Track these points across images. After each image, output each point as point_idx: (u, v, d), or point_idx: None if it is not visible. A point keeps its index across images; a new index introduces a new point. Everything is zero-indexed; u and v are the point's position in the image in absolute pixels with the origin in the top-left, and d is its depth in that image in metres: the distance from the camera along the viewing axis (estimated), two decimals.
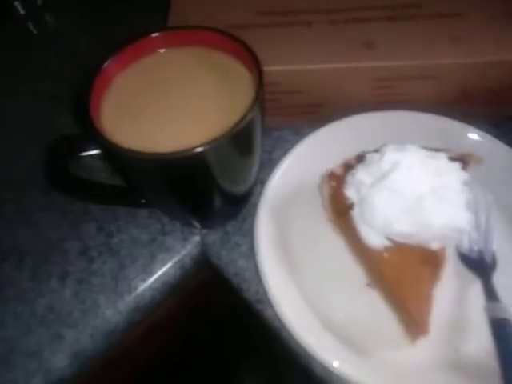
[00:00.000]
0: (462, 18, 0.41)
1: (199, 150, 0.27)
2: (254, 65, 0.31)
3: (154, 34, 0.33)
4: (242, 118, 0.28)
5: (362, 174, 0.35)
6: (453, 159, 0.34)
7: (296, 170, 0.41)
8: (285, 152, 0.42)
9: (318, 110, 0.45)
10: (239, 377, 0.61)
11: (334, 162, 0.39)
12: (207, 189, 0.34)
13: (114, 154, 0.29)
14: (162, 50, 0.33)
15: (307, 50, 0.40)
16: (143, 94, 0.32)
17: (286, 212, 0.40)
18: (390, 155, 0.33)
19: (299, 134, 0.46)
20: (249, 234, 0.41)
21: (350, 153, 0.39)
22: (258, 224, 0.38)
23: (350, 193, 0.36)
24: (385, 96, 0.42)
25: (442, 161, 0.33)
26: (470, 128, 0.41)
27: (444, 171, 0.33)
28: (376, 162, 0.34)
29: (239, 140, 0.30)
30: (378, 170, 0.34)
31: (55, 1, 0.64)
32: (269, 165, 0.43)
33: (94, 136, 0.28)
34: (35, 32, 0.63)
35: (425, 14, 0.42)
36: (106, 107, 0.31)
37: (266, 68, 0.38)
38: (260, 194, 0.40)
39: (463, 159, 0.36)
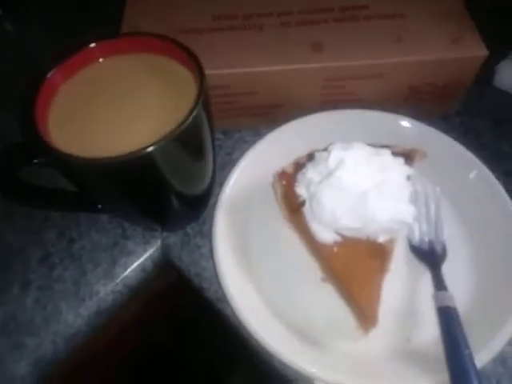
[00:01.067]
0: (405, 19, 0.43)
1: (146, 150, 0.28)
2: (196, 67, 0.31)
3: (92, 45, 0.33)
4: (186, 118, 0.29)
5: (311, 172, 0.36)
6: (397, 155, 0.36)
7: (252, 171, 0.41)
8: (244, 153, 0.43)
9: (274, 111, 0.46)
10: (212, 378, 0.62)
11: (287, 162, 0.40)
12: (160, 191, 0.35)
13: (60, 161, 0.29)
14: (101, 59, 0.34)
15: (257, 53, 0.41)
16: (89, 101, 0.32)
17: (243, 211, 0.41)
18: (336, 153, 0.34)
19: (258, 135, 0.47)
20: (209, 235, 0.41)
21: (302, 152, 0.40)
22: (215, 225, 0.39)
23: (301, 190, 0.37)
24: (336, 95, 0.43)
25: (385, 157, 0.35)
26: (416, 123, 0.42)
27: (388, 167, 0.34)
28: (324, 161, 0.35)
29: (186, 139, 0.30)
30: (326, 168, 0.35)
31: (17, 10, 0.64)
32: (229, 166, 0.44)
33: (40, 144, 0.29)
34: None
35: (370, 15, 0.43)
36: (53, 115, 0.31)
37: (215, 71, 0.40)
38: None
39: (408, 154, 0.37)
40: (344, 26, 0.42)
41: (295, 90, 0.43)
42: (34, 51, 0.60)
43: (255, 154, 0.42)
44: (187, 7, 0.46)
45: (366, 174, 0.33)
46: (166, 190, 0.35)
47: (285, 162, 0.40)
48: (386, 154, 0.35)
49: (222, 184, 0.42)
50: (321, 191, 0.34)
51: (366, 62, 0.40)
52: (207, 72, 0.31)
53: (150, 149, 0.28)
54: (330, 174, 0.34)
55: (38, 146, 0.32)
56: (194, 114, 0.29)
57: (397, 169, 0.34)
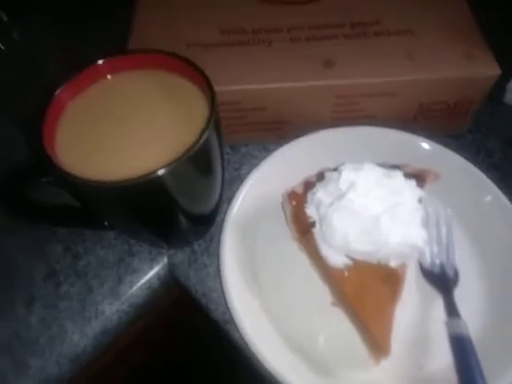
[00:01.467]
0: (416, 35, 0.42)
1: (157, 174, 0.27)
2: (205, 84, 0.31)
3: (99, 61, 0.33)
4: (197, 140, 0.28)
5: (321, 193, 0.35)
6: (409, 176, 0.35)
7: (260, 188, 0.41)
8: (252, 168, 0.42)
9: (283, 127, 0.45)
10: None
11: (297, 179, 0.39)
12: (168, 212, 0.34)
13: (68, 182, 0.29)
14: (109, 76, 0.33)
15: (267, 69, 0.40)
16: (97, 119, 0.32)
17: (251, 231, 0.40)
18: (347, 174, 0.34)
19: (266, 150, 0.46)
20: (216, 254, 0.40)
21: (312, 169, 0.39)
22: (222, 245, 0.38)
23: (311, 211, 0.36)
24: (346, 112, 0.43)
25: (397, 179, 0.34)
26: (428, 142, 0.41)
27: (399, 190, 0.33)
28: (334, 181, 0.35)
29: (197, 161, 0.30)
30: (336, 190, 0.34)
31: (22, 16, 0.63)
32: (237, 181, 0.43)
33: (48, 166, 0.28)
34: (2, 48, 0.62)
35: (381, 31, 0.42)
36: (60, 134, 0.31)
37: (225, 87, 0.39)
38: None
39: (420, 175, 0.37)
40: (355, 42, 0.42)
41: (305, 107, 0.42)
42: (42, 61, 0.59)
43: (263, 170, 0.41)
44: (195, 21, 0.45)
45: (378, 198, 0.33)
46: (174, 210, 0.34)
47: (294, 178, 0.39)
48: (398, 176, 0.34)
49: (229, 200, 0.41)
50: (331, 213, 0.34)
51: (377, 79, 0.40)
52: (216, 88, 0.31)
53: (161, 172, 0.27)
54: (341, 196, 0.34)
55: (45, 166, 0.31)
56: (205, 135, 0.29)
57: (409, 192, 0.34)
